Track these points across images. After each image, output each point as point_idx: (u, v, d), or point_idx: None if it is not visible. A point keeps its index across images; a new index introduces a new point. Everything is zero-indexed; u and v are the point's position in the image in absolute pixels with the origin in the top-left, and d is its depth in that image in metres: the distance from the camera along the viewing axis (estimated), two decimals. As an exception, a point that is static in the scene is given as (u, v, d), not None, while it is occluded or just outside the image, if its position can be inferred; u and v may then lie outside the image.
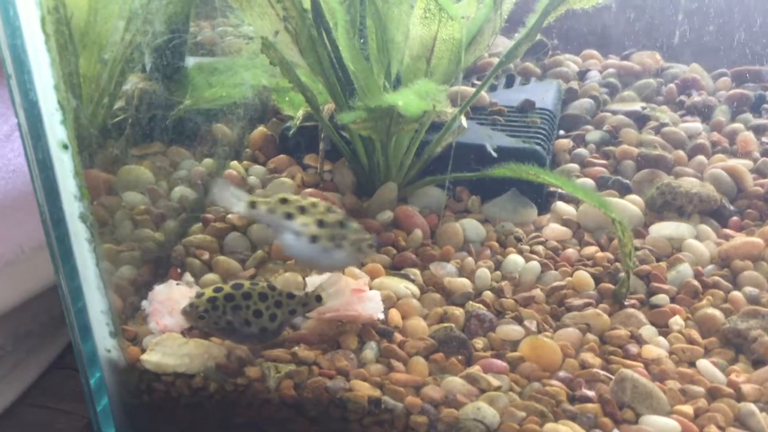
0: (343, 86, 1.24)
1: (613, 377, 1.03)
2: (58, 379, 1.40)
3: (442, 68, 1.30)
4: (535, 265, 1.24)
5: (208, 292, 1.04)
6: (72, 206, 0.97)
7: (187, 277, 1.21)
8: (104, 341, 1.06)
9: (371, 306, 1.12)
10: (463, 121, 1.40)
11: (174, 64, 1.45)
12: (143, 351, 1.09)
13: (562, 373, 1.05)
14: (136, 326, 1.13)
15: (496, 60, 1.76)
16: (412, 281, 1.21)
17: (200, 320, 1.04)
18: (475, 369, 1.05)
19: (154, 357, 1.07)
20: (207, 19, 1.75)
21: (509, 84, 1.71)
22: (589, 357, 1.07)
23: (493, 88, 1.69)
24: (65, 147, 0.94)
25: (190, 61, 1.53)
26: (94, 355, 1.07)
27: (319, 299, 1.07)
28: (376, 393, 1.03)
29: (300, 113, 1.47)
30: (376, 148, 1.35)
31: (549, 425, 0.97)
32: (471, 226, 1.33)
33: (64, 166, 0.95)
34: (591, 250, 1.28)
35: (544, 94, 1.61)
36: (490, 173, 1.28)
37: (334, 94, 1.30)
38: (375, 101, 1.07)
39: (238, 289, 1.05)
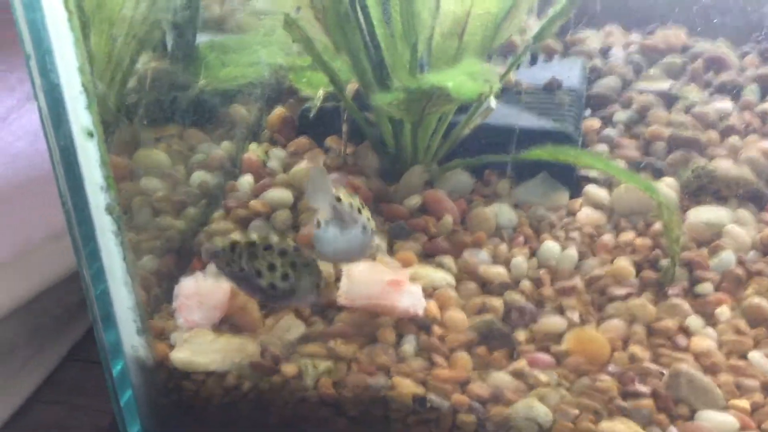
0: (375, 65, 1.18)
1: (664, 371, 0.99)
2: (72, 374, 1.35)
3: (475, 46, 1.24)
4: (572, 252, 1.19)
5: (234, 236, 1.01)
6: (97, 197, 0.90)
7: (211, 267, 1.15)
8: (131, 338, 1.00)
9: (410, 300, 1.07)
10: (492, 102, 1.34)
11: (188, 41, 1.38)
12: (172, 348, 1.03)
13: (611, 367, 1.01)
14: (162, 321, 1.07)
15: (518, 38, 1.69)
16: (447, 270, 1.17)
17: (215, 258, 1.00)
18: (522, 364, 1.01)
19: (183, 354, 1.02)
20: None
21: (532, 62, 1.65)
22: (637, 350, 1.03)
23: (516, 67, 1.62)
24: (90, 134, 0.87)
25: (200, 39, 1.45)
26: (119, 353, 1.01)
27: (318, 290, 1.02)
28: (420, 390, 0.99)
29: (320, 93, 1.40)
30: (404, 131, 1.29)
31: (605, 423, 0.93)
32: (502, 211, 1.28)
33: (89, 154, 0.88)
34: (628, 236, 1.24)
35: (570, 73, 1.55)
36: (524, 156, 1.23)
37: (361, 72, 1.23)
38: (415, 82, 1.01)
39: (265, 239, 1.01)
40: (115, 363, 1.01)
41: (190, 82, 1.36)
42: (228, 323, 1.07)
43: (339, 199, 0.96)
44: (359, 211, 0.98)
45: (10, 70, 1.75)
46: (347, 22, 1.15)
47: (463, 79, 0.99)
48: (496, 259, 1.20)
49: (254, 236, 1.00)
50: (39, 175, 1.44)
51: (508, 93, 1.48)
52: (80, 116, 0.85)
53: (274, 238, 1.00)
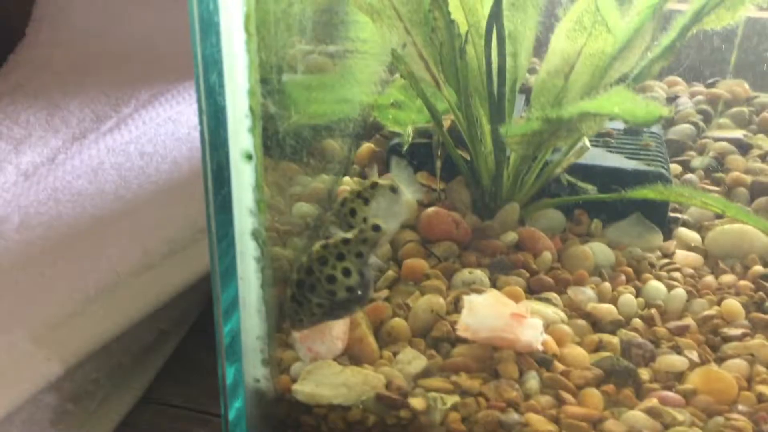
0: (493, 100, 1.19)
1: (796, 411, 0.98)
2: (147, 416, 1.30)
3: (581, 84, 1.25)
4: (681, 292, 1.19)
5: (287, 301, 1.00)
6: (245, 221, 0.89)
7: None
8: (255, 370, 0.97)
9: (531, 333, 1.05)
10: (586, 142, 1.35)
11: (277, 78, 1.39)
12: (293, 380, 1.00)
13: (740, 407, 1.00)
14: (279, 351, 1.04)
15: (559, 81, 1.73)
16: (556, 306, 1.16)
17: (300, 324, 1.00)
18: (654, 402, 0.99)
19: (307, 387, 0.99)
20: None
21: (606, 106, 1.68)
22: (765, 389, 1.02)
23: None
24: (249, 157, 0.86)
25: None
26: (238, 384, 0.98)
27: (377, 228, 1.01)
28: (553, 428, 0.96)
29: (410, 129, 1.41)
30: (507, 166, 1.29)
31: (751, 463, 0.91)
32: (599, 250, 1.28)
33: (244, 177, 0.87)
34: (729, 278, 1.24)
35: (645, 118, 1.57)
36: (628, 195, 1.23)
37: (467, 107, 1.24)
38: (557, 111, 1.01)
39: (300, 270, 1.00)
40: (234, 395, 0.98)
41: (282, 116, 1.36)
42: (346, 355, 1.04)
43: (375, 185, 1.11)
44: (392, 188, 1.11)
45: (53, 112, 1.76)
46: (462, 57, 1.17)
47: (628, 103, 0.98)
48: (601, 298, 1.19)
49: (292, 277, 1.00)
50: (103, 214, 1.44)
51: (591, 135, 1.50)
52: (241, 138, 0.84)
53: (303, 260, 1.00)
